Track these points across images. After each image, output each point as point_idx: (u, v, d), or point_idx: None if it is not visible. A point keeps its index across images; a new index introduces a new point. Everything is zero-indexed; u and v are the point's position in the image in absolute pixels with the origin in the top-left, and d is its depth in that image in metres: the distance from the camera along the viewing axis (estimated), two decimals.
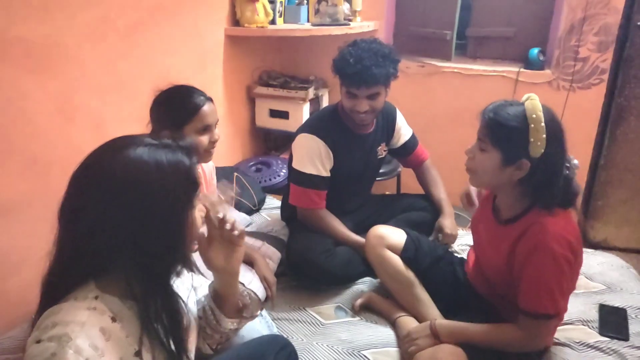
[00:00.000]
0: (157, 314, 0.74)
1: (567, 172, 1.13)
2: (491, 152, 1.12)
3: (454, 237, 1.70)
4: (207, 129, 1.30)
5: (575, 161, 1.16)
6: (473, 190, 1.45)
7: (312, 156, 1.61)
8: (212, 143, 1.32)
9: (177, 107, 1.27)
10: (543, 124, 1.06)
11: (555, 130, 1.09)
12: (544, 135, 1.06)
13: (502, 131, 1.10)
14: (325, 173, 1.63)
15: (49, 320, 0.67)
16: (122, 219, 0.69)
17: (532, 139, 1.07)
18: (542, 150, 1.07)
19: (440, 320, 1.29)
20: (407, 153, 1.88)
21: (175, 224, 0.73)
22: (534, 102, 1.09)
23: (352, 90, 1.55)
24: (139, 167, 0.70)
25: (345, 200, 1.78)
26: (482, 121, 1.14)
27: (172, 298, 0.78)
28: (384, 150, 1.82)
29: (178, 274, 0.79)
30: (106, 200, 0.69)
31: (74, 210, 0.71)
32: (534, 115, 1.07)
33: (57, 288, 0.72)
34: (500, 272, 1.22)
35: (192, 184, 0.75)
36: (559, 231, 1.10)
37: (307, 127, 1.67)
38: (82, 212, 0.70)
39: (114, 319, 0.70)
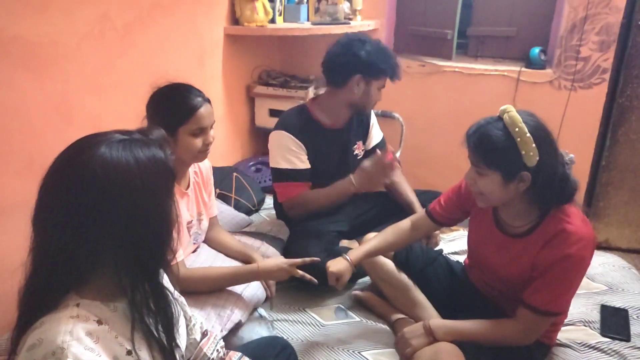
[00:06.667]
0: (147, 307, 0.74)
1: (563, 168, 1.14)
2: (490, 175, 1.12)
3: (439, 236, 1.76)
4: (202, 131, 1.26)
5: (571, 155, 1.16)
6: (345, 269, 1.33)
7: (282, 151, 1.64)
8: (206, 145, 1.29)
9: (173, 108, 1.24)
10: (529, 135, 1.06)
11: (542, 135, 1.09)
12: (534, 145, 1.07)
13: (493, 154, 1.10)
14: (302, 165, 1.64)
15: (34, 337, 0.65)
16: (107, 219, 0.67)
17: (523, 152, 1.07)
18: (537, 158, 1.08)
19: (434, 320, 1.28)
20: None
21: (160, 217, 0.73)
22: (511, 115, 1.09)
23: (392, 81, 1.65)
24: (119, 165, 0.68)
25: None
26: (470, 148, 1.15)
27: (161, 290, 0.77)
28: (362, 150, 1.83)
29: (166, 265, 0.78)
30: (88, 203, 0.67)
31: (52, 218, 0.68)
32: (517, 129, 1.07)
33: (37, 304, 0.70)
34: (523, 281, 1.20)
35: (170, 175, 0.75)
36: (584, 236, 1.12)
37: (275, 126, 1.69)
38: (63, 219, 0.67)
39: (99, 322, 0.69)
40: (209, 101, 1.29)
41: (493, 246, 1.27)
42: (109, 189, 0.67)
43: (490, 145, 1.10)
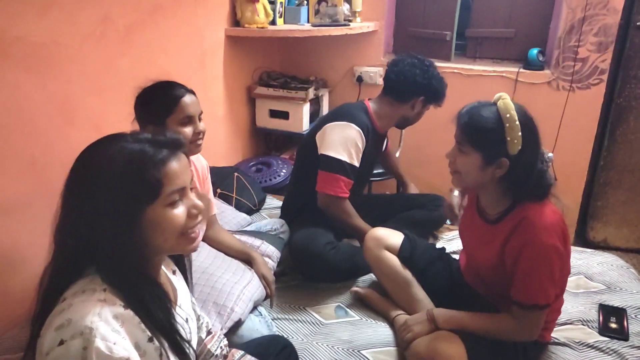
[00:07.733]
0: (144, 308, 0.73)
1: (541, 165, 1.16)
2: (471, 155, 1.15)
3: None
4: (190, 120, 1.28)
5: (550, 154, 1.19)
6: (455, 202, 1.48)
7: (347, 144, 1.64)
8: (197, 134, 1.31)
9: (157, 101, 1.27)
10: (517, 122, 1.09)
11: (529, 127, 1.12)
12: (520, 133, 1.10)
13: (480, 134, 1.13)
14: (357, 162, 1.66)
15: (62, 317, 0.67)
16: (82, 213, 0.72)
17: (508, 138, 1.10)
18: (520, 147, 1.10)
19: (437, 309, 1.31)
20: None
21: (125, 216, 0.71)
22: (506, 102, 1.12)
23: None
24: (93, 159, 0.73)
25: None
26: (458, 125, 1.17)
27: (153, 292, 0.76)
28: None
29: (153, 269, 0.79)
30: (73, 195, 0.73)
31: (62, 205, 0.74)
32: (508, 115, 1.10)
33: (61, 280, 0.73)
34: (494, 270, 1.23)
35: (150, 175, 0.71)
36: (547, 223, 1.13)
37: (344, 117, 1.68)
38: (65, 208, 0.74)
39: (125, 307, 0.71)
40: (192, 92, 1.32)
41: (474, 232, 1.31)
42: (82, 182, 0.72)
43: (479, 124, 1.12)
